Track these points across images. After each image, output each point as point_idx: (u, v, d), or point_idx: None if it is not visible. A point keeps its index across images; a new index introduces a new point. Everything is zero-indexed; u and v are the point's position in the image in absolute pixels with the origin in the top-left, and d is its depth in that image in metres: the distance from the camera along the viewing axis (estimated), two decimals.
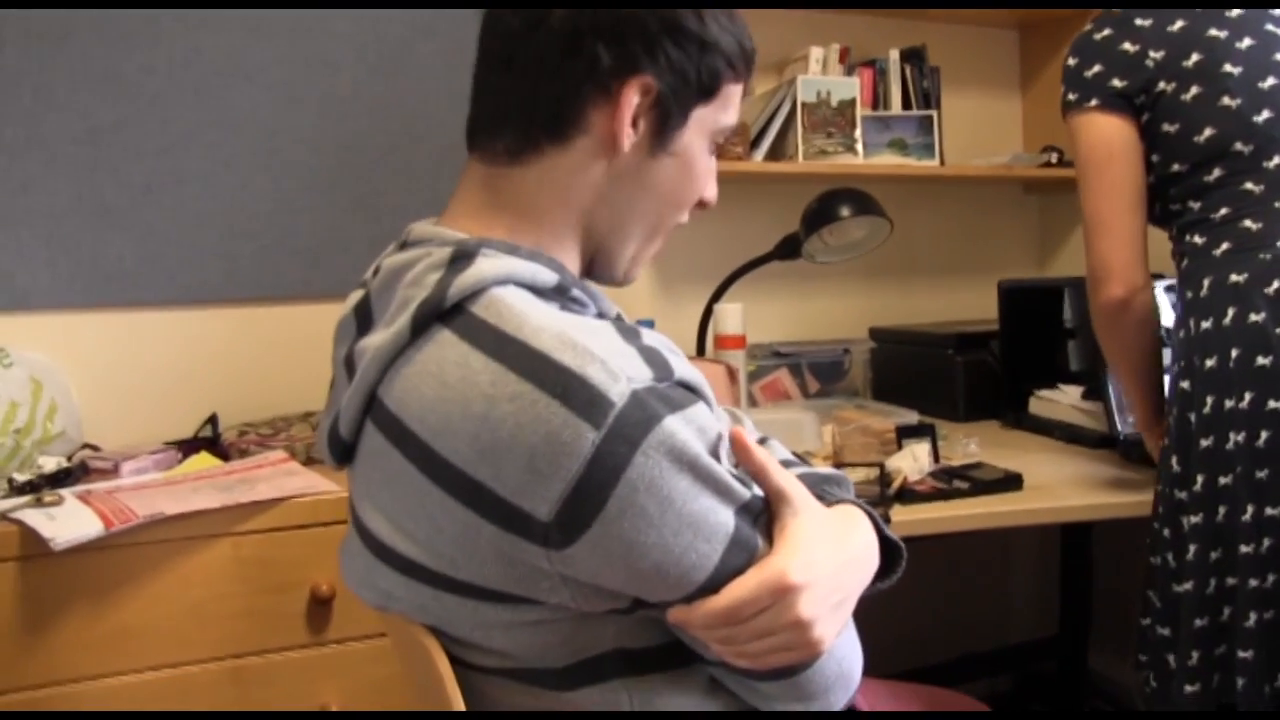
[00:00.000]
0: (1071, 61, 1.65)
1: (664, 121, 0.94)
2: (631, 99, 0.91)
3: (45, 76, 2.04)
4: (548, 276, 0.89)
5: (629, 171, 0.95)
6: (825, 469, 1.06)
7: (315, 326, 2.28)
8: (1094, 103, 1.62)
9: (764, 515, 0.86)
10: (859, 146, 2.55)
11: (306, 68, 2.25)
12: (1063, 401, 2.28)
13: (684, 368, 0.85)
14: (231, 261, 2.21)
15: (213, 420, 2.16)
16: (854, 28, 2.80)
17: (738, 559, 0.83)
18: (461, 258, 0.87)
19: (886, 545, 1.00)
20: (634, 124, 0.92)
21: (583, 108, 0.92)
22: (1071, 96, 1.64)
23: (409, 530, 0.86)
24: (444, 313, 0.85)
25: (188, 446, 2.01)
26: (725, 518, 0.82)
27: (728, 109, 1.00)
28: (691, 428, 0.81)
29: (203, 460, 1.93)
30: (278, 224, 2.25)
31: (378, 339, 0.87)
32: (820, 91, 2.52)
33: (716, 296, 2.37)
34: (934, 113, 2.69)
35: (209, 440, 2.08)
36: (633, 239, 1.00)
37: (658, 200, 0.98)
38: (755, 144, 2.50)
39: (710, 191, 1.03)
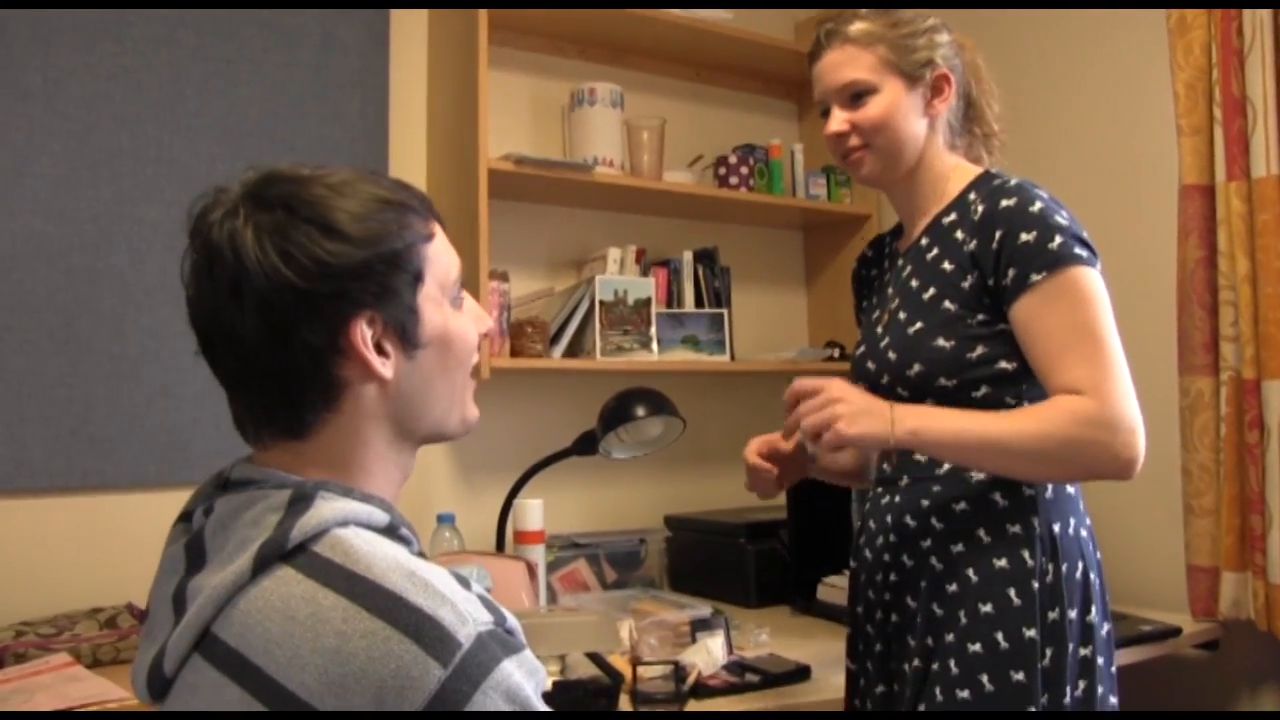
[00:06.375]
0: (1063, 216, 1.53)
1: (402, 328, 0.98)
2: (364, 339, 0.95)
3: None
4: (381, 517, 0.95)
5: (403, 379, 0.99)
6: None
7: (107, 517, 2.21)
8: (1098, 263, 1.52)
9: None
10: (654, 344, 2.67)
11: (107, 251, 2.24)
12: (846, 587, 2.38)
13: (510, 614, 0.91)
14: (17, 447, 2.14)
15: None
16: (650, 229, 2.96)
17: None
18: (300, 500, 0.91)
19: None
20: (379, 350, 0.96)
21: (331, 374, 0.95)
22: (1080, 252, 1.50)
23: None
24: (285, 553, 0.88)
25: None
26: None
27: (441, 261, 1.02)
28: (524, 670, 0.87)
29: None
30: (72, 410, 2.19)
31: (215, 578, 0.89)
32: (618, 290, 2.64)
33: (515, 490, 2.41)
34: (724, 311, 2.85)
35: None
36: (448, 408, 1.05)
37: (442, 376, 1.03)
38: (554, 340, 2.58)
39: (483, 327, 1.08)
